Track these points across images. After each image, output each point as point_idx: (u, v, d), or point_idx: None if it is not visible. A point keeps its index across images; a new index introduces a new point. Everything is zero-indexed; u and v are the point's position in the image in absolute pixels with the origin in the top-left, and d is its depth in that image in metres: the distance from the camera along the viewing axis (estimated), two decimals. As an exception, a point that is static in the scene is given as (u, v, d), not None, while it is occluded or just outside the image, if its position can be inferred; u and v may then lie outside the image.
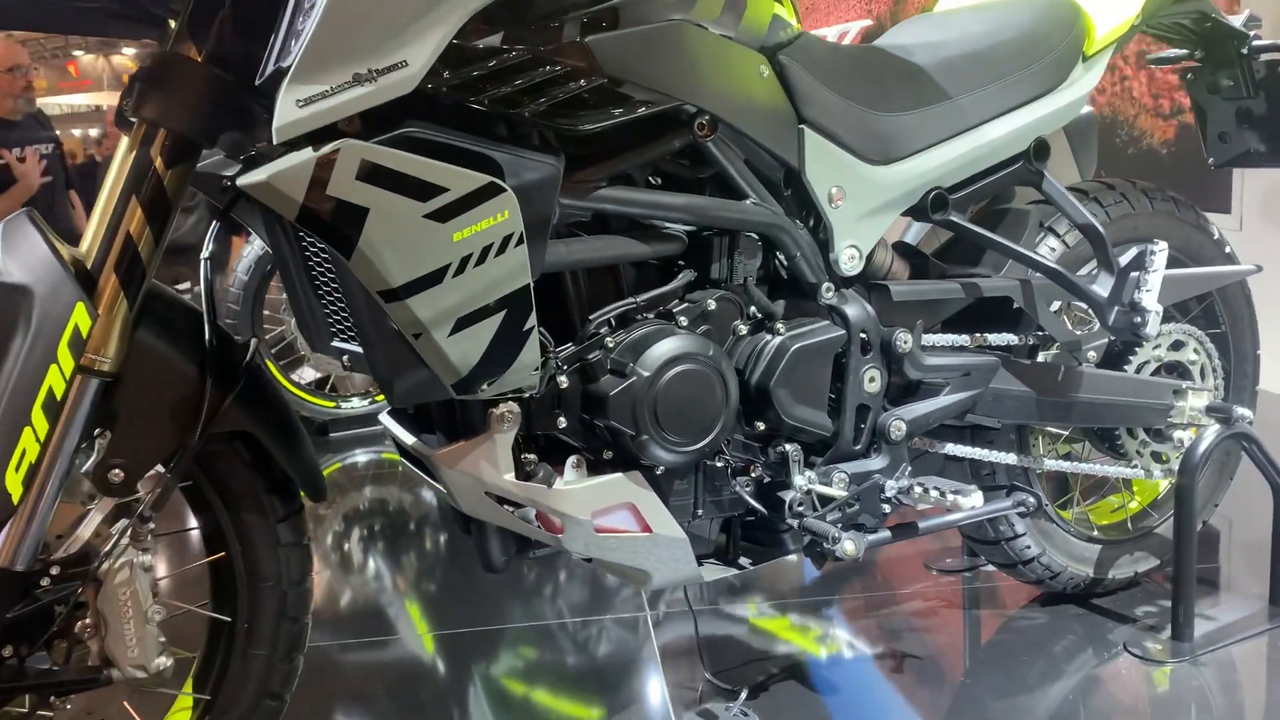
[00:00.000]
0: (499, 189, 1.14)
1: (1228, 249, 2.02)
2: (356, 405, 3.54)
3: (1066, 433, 1.93)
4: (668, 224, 1.42)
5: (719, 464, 1.51)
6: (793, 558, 1.79)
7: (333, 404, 3.51)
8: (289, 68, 1.04)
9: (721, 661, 1.86)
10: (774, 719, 1.67)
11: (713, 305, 1.44)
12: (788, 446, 1.52)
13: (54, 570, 1.18)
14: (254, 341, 1.32)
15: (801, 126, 1.50)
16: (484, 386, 1.24)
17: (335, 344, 1.47)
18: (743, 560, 1.62)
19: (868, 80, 1.57)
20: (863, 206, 1.56)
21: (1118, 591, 2.05)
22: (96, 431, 1.21)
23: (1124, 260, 1.66)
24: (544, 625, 2.04)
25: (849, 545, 1.51)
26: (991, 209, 1.85)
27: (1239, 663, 1.82)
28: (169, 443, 1.21)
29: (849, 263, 1.56)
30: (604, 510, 1.37)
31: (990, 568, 2.13)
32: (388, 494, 2.97)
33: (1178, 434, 1.87)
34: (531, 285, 1.21)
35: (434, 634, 2.08)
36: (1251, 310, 2.08)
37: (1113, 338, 1.76)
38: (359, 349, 1.31)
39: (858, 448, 1.58)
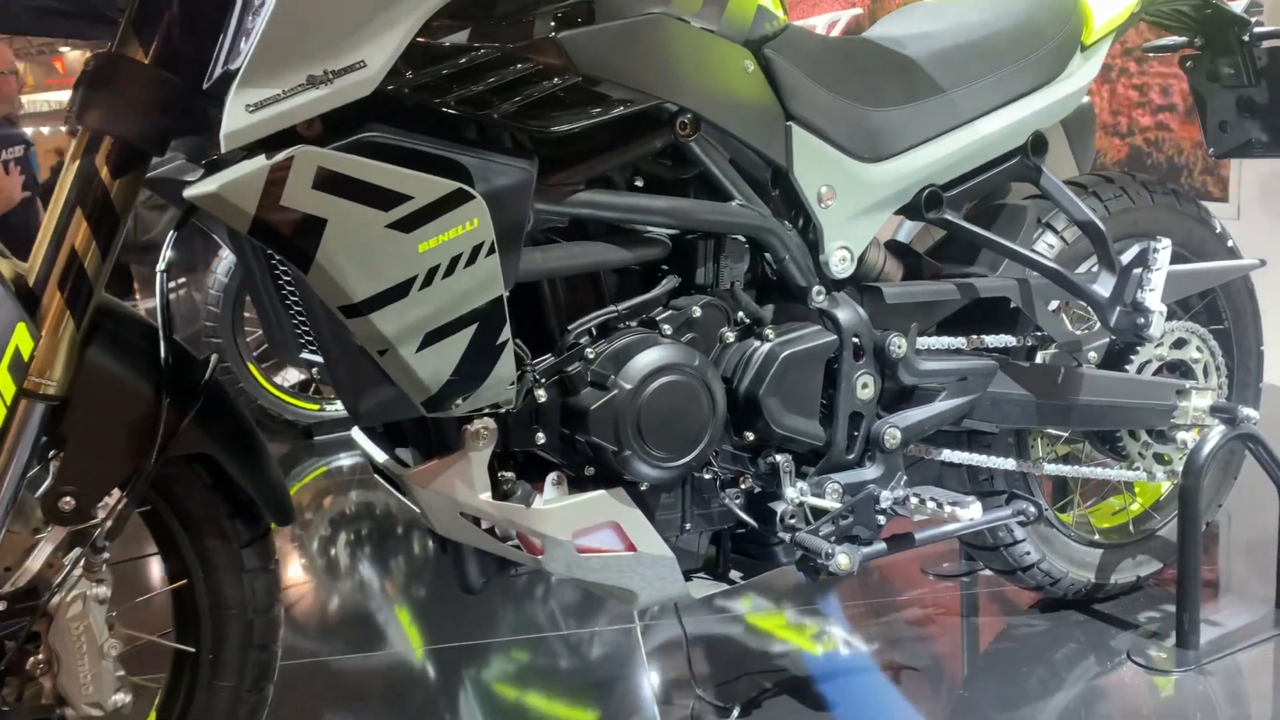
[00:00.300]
0: (467, 195, 1.08)
1: (1230, 243, 1.96)
2: (341, 407, 3.47)
3: (1066, 434, 1.87)
4: (650, 228, 1.35)
5: (707, 476, 1.45)
6: (787, 562, 1.73)
7: (316, 406, 3.44)
8: (238, 70, 0.97)
9: (713, 673, 1.80)
10: (767, 737, 1.61)
11: (698, 312, 1.38)
12: (778, 457, 1.45)
13: (1, 605, 1.12)
14: (214, 358, 1.25)
15: (789, 123, 1.43)
16: (456, 403, 1.18)
17: (304, 355, 1.41)
18: (734, 574, 1.56)
19: (857, 74, 1.51)
20: (854, 206, 1.49)
21: (1120, 596, 2.00)
22: (51, 453, 1.14)
23: (1126, 258, 1.60)
24: (530, 639, 1.98)
25: (843, 559, 1.46)
26: (987, 205, 1.79)
27: (1246, 671, 1.76)
28: (123, 468, 1.14)
29: (840, 265, 1.50)
30: (586, 530, 1.31)
31: (989, 571, 2.08)
32: (373, 499, 2.91)
33: (1181, 435, 1.81)
34: (505, 296, 1.15)
35: (420, 647, 2.01)
36: (1255, 305, 2.02)
37: (1114, 338, 1.69)
38: None
39: (851, 457, 1.51)
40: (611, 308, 1.33)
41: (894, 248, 1.71)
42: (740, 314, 1.44)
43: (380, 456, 1.37)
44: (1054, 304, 1.70)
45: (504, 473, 1.28)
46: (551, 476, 1.32)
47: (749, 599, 2.09)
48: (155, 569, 1.37)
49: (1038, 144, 1.60)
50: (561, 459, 1.31)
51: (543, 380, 1.27)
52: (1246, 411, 1.75)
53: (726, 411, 1.43)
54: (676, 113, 1.28)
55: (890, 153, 1.51)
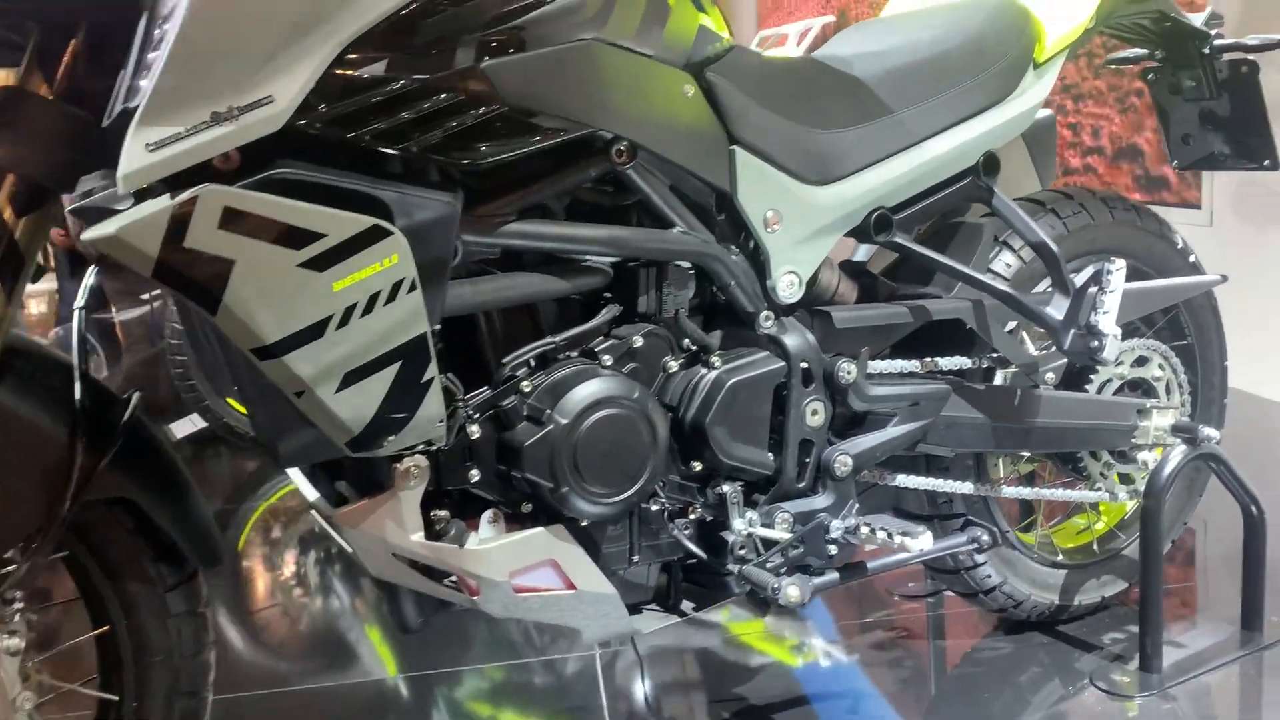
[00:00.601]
0: (385, 232, 1.04)
1: (1192, 258, 1.93)
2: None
3: (1027, 455, 1.84)
4: (590, 257, 1.32)
5: (654, 507, 1.42)
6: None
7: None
8: (137, 108, 0.93)
9: (671, 698, 1.77)
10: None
11: (639, 342, 1.34)
12: (726, 487, 1.42)
13: (-94, 660, 1.08)
14: (135, 396, 1.21)
15: (733, 147, 1.40)
16: (383, 444, 1.14)
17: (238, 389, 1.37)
18: (686, 605, 1.52)
19: (804, 96, 1.48)
20: (801, 230, 1.46)
21: (1085, 617, 1.97)
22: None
23: (1079, 280, 1.57)
24: (480, 669, 1.94)
25: (792, 591, 1.43)
26: (944, 224, 1.76)
27: (1210, 694, 1.73)
28: (34, 515, 1.10)
29: (787, 290, 1.46)
30: (523, 569, 1.27)
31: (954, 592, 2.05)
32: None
33: (1142, 455, 1.79)
34: (429, 333, 1.11)
35: (385, 675, 1.97)
36: (1218, 320, 2.00)
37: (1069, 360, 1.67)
38: None
39: (802, 485, 1.48)
40: (549, 339, 1.29)
41: (849, 268, 1.68)
42: (686, 341, 1.41)
43: (312, 494, 1.34)
44: (1011, 324, 1.67)
45: (437, 511, 1.25)
46: (487, 514, 1.28)
47: (710, 621, 2.06)
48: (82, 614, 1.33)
49: (990, 164, 1.57)
50: (498, 496, 1.28)
51: (476, 416, 1.24)
52: (1207, 431, 1.73)
53: (672, 442, 1.40)
54: (612, 140, 1.25)
55: (838, 175, 1.48)
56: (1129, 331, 1.94)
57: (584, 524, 1.32)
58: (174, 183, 0.96)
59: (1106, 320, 1.52)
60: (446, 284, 1.12)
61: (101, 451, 1.13)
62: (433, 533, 1.24)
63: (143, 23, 1.03)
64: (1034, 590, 1.88)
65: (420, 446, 1.20)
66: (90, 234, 0.95)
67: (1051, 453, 1.81)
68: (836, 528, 1.47)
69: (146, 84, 0.94)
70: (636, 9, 1.26)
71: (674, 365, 1.38)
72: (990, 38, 1.56)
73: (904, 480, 1.62)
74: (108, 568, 1.20)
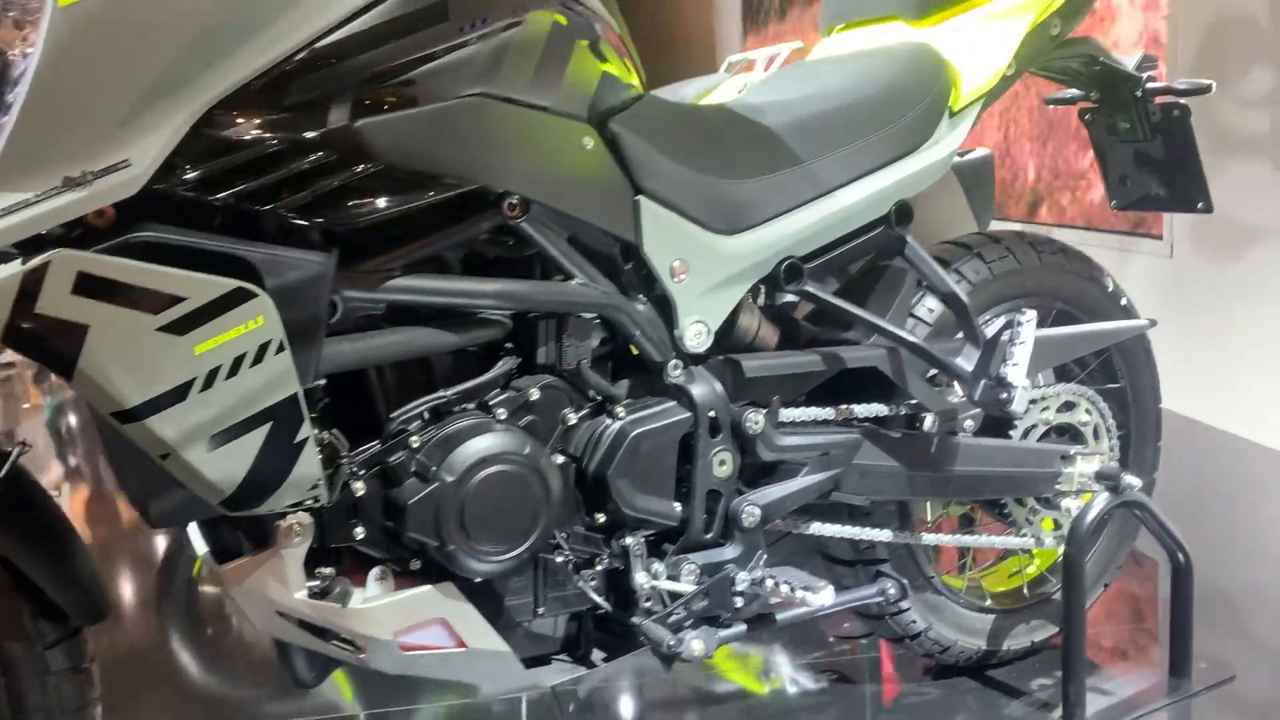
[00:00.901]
0: (249, 294, 1.03)
1: (1124, 301, 1.92)
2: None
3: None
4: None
5: (559, 559, 1.40)
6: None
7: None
8: None
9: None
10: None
11: (536, 394, 1.33)
12: (629, 540, 1.41)
13: None
14: (18, 449, 1.20)
15: (638, 198, 1.39)
16: (259, 503, 1.13)
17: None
18: (596, 655, 1.51)
19: (714, 145, 1.47)
20: (709, 279, 1.45)
21: (1015, 661, 1.95)
22: None
23: (990, 331, 1.56)
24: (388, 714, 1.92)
25: (696, 645, 1.42)
26: (871, 266, 1.75)
27: (1133, 744, 1.72)
28: (-101, 575, 1.09)
29: (695, 339, 1.45)
30: (410, 627, 1.26)
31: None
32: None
33: (1066, 502, 1.77)
34: (301, 393, 1.10)
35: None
36: (1152, 363, 1.99)
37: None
38: None
39: (709, 536, 1.47)
40: (441, 393, 1.28)
41: (771, 312, 1.67)
42: (592, 391, 1.40)
43: (201, 548, 1.32)
44: (932, 371, 1.66)
45: (322, 569, 1.23)
46: (375, 571, 1.27)
47: (637, 659, 2.04)
48: None
49: (902, 213, 1.56)
50: (385, 553, 1.26)
51: (361, 472, 1.22)
52: (1129, 479, 1.71)
53: (576, 493, 1.39)
54: (503, 194, 1.24)
55: (747, 225, 1.47)
56: (1062, 373, 1.94)
57: (476, 580, 1.31)
58: (26, 246, 0.95)
59: (1015, 372, 1.51)
60: (320, 343, 1.11)
61: (-25, 509, 1.12)
62: (316, 590, 1.22)
63: None
64: (960, 635, 1.86)
65: (308, 501, 1.19)
66: (-65, 301, 0.94)
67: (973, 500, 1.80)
68: (743, 580, 1.46)
69: None
70: (530, 61, 1.24)
71: (573, 417, 1.37)
72: (903, 87, 1.56)
73: (819, 529, 1.60)
74: (-17, 625, 1.18)
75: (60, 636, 1.22)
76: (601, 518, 1.41)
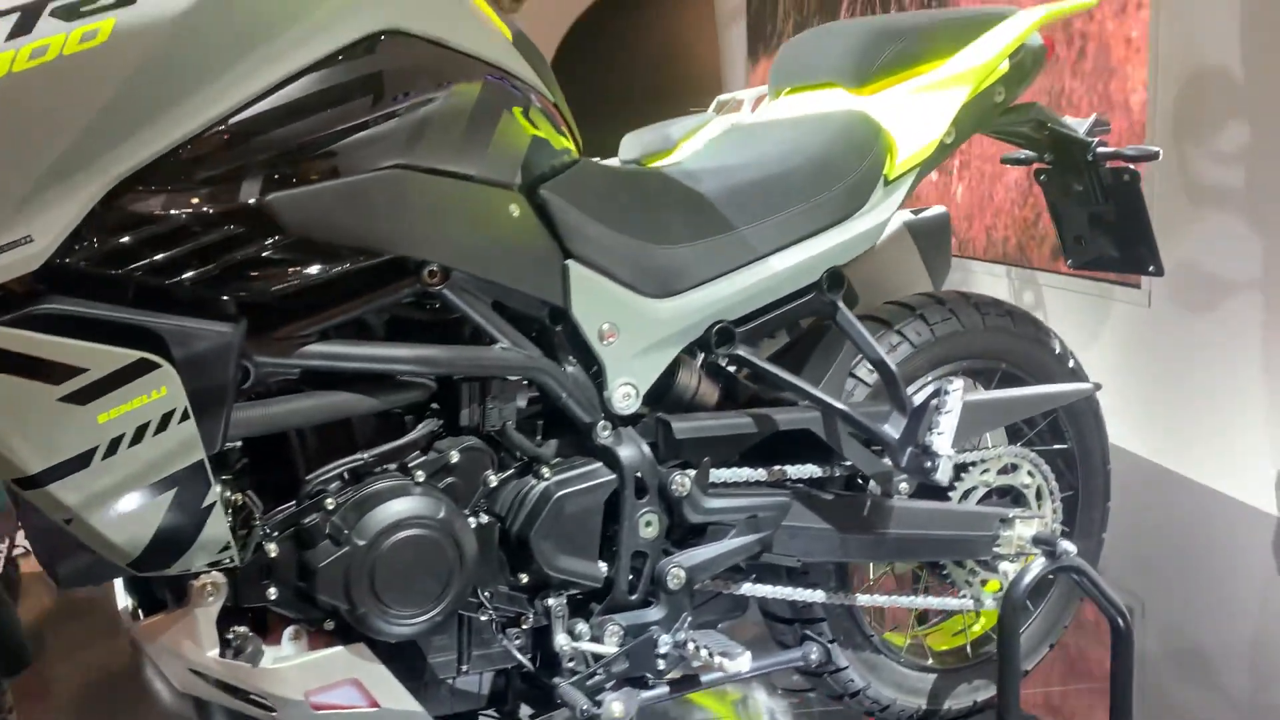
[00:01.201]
0: (152, 364, 1.05)
1: (1071, 363, 1.93)
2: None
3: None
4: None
5: (483, 618, 1.42)
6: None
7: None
8: None
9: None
10: None
11: (456, 457, 1.35)
12: (552, 601, 1.42)
13: None
14: (-62, 504, 1.22)
15: (568, 262, 1.41)
16: (168, 565, 1.15)
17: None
18: (524, 712, 1.52)
19: (646, 210, 1.49)
20: (639, 343, 1.47)
21: (956, 720, 1.95)
22: None
23: (918, 399, 1.57)
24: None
25: (616, 707, 1.43)
26: (815, 325, 1.76)
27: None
28: None
29: (624, 401, 1.47)
30: (322, 688, 1.27)
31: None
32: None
33: (1004, 565, 1.78)
34: (207, 460, 1.12)
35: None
36: (1100, 425, 1.99)
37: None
38: None
39: (634, 597, 1.48)
40: (359, 455, 1.30)
41: (711, 369, 1.69)
42: (519, 451, 1.42)
43: (122, 601, 1.34)
44: (868, 433, 1.67)
45: (236, 627, 1.25)
46: (289, 631, 1.28)
47: None
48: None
49: (834, 280, 1.57)
50: (299, 613, 1.28)
51: (275, 534, 1.24)
52: (1064, 545, 1.72)
53: (500, 553, 1.40)
54: (423, 261, 1.26)
55: (678, 289, 1.49)
56: (1014, 432, 1.94)
57: (391, 641, 1.32)
58: None
59: (941, 441, 1.53)
60: (227, 411, 1.13)
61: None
62: (229, 649, 1.24)
63: None
64: (899, 695, 1.86)
65: (224, 561, 1.20)
66: None
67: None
68: (666, 642, 1.47)
69: None
70: (455, 130, 1.26)
71: (494, 479, 1.38)
72: (837, 155, 1.57)
73: (750, 589, 1.61)
74: (-102, 678, 1.20)
75: (-23, 688, 1.24)
76: (525, 577, 1.42)
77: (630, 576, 1.47)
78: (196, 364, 1.08)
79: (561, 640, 1.41)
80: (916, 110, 1.64)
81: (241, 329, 1.12)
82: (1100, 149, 1.92)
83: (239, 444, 1.21)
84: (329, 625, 1.29)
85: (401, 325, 1.35)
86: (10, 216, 0.98)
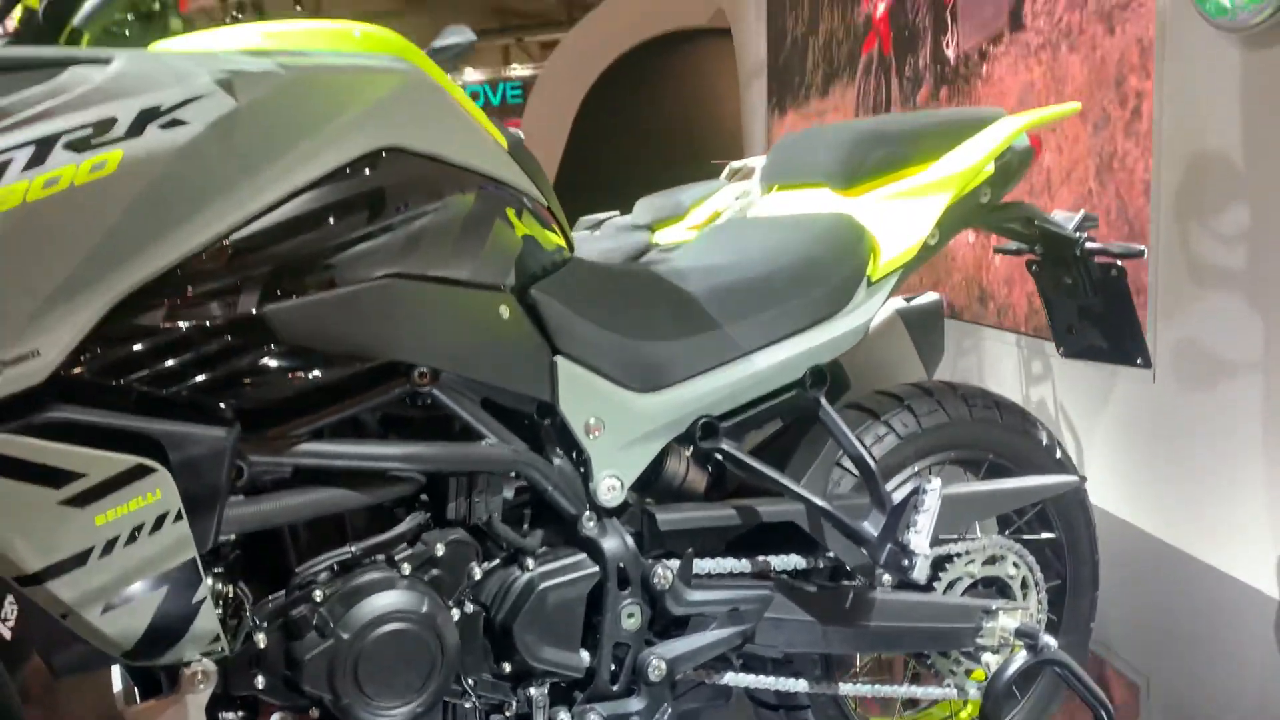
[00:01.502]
0: (148, 469, 1.11)
1: (1058, 454, 1.96)
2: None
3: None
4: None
5: (467, 705, 1.45)
6: None
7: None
8: None
9: None
10: None
11: (441, 550, 1.39)
12: (534, 691, 1.46)
13: None
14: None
15: (556, 358, 1.46)
16: (160, 656, 1.20)
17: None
18: (505, 792, 1.55)
19: (633, 308, 1.54)
20: (624, 436, 1.52)
21: (939, 807, 1.96)
22: None
23: (898, 496, 1.61)
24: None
25: (596, 795, 1.45)
26: (802, 416, 1.80)
27: None
28: None
29: (609, 494, 1.51)
30: (305, 773, 1.31)
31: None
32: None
33: (987, 657, 1.80)
34: (198, 558, 1.17)
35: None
36: (1088, 515, 2.01)
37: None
38: None
39: (616, 688, 1.52)
40: (347, 548, 1.34)
41: (700, 457, 1.73)
42: (504, 542, 1.46)
43: (117, 684, 1.39)
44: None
45: (225, 714, 1.29)
46: (276, 718, 1.33)
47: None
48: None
49: (817, 377, 1.62)
50: (287, 701, 1.32)
51: (264, 624, 1.29)
52: (1047, 639, 1.74)
53: (485, 642, 1.44)
54: (413, 364, 1.31)
55: (663, 384, 1.54)
56: (1002, 521, 1.97)
57: (376, 725, 1.36)
58: None
59: (918, 540, 1.56)
60: (220, 510, 1.18)
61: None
62: (217, 736, 1.28)
63: None
64: (879, 783, 1.88)
65: (216, 652, 1.25)
66: None
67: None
68: (646, 732, 1.50)
69: None
70: (448, 239, 1.32)
71: (479, 571, 1.42)
72: (821, 256, 1.62)
73: (732, 679, 1.64)
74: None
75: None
76: (509, 667, 1.46)
77: (612, 666, 1.51)
78: (192, 467, 1.14)
79: (541, 732, 1.44)
80: (901, 213, 1.69)
81: (236, 432, 1.18)
82: (1088, 244, 1.97)
83: (231, 537, 1.26)
84: (314, 714, 1.33)
85: (391, 420, 1.41)
86: (19, 332, 1.04)
